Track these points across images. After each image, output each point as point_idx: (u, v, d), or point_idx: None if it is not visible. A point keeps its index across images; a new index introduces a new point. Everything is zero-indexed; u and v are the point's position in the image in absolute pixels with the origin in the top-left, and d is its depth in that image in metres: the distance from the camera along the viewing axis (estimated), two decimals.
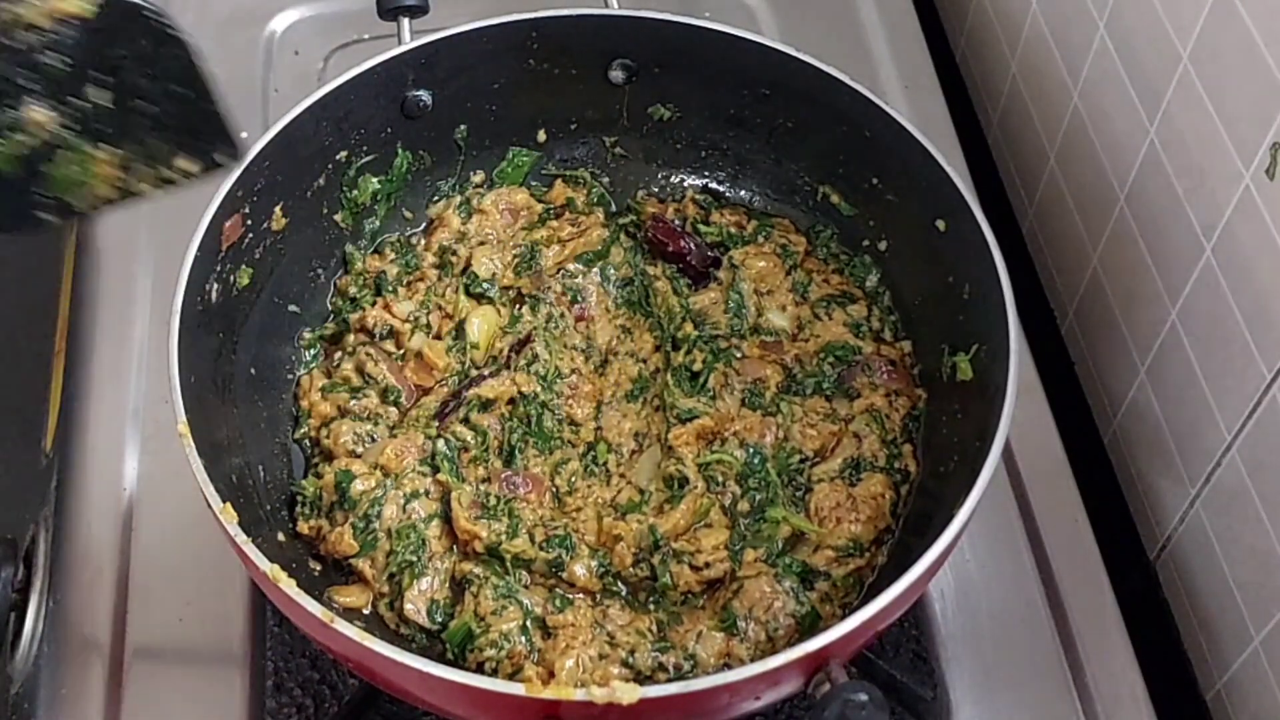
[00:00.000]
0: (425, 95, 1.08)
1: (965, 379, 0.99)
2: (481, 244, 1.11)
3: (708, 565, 0.96)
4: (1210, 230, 0.99)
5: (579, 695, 0.75)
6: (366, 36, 1.39)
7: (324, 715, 0.99)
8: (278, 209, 1.02)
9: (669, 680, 0.89)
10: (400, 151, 1.11)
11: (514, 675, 0.90)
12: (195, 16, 1.41)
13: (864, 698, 0.74)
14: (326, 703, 1.00)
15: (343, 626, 0.77)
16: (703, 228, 1.13)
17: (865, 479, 1.00)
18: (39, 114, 0.72)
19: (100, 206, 0.76)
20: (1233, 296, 0.97)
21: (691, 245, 1.11)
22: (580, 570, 0.95)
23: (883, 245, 1.09)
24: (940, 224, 1.00)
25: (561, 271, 1.09)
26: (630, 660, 0.91)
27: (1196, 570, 1.08)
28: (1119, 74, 1.10)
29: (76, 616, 1.04)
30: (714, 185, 1.17)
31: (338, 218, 1.09)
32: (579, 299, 1.09)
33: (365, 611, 0.95)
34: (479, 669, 0.91)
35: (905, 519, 0.99)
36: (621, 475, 1.01)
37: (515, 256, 1.11)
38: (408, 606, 0.94)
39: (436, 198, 1.14)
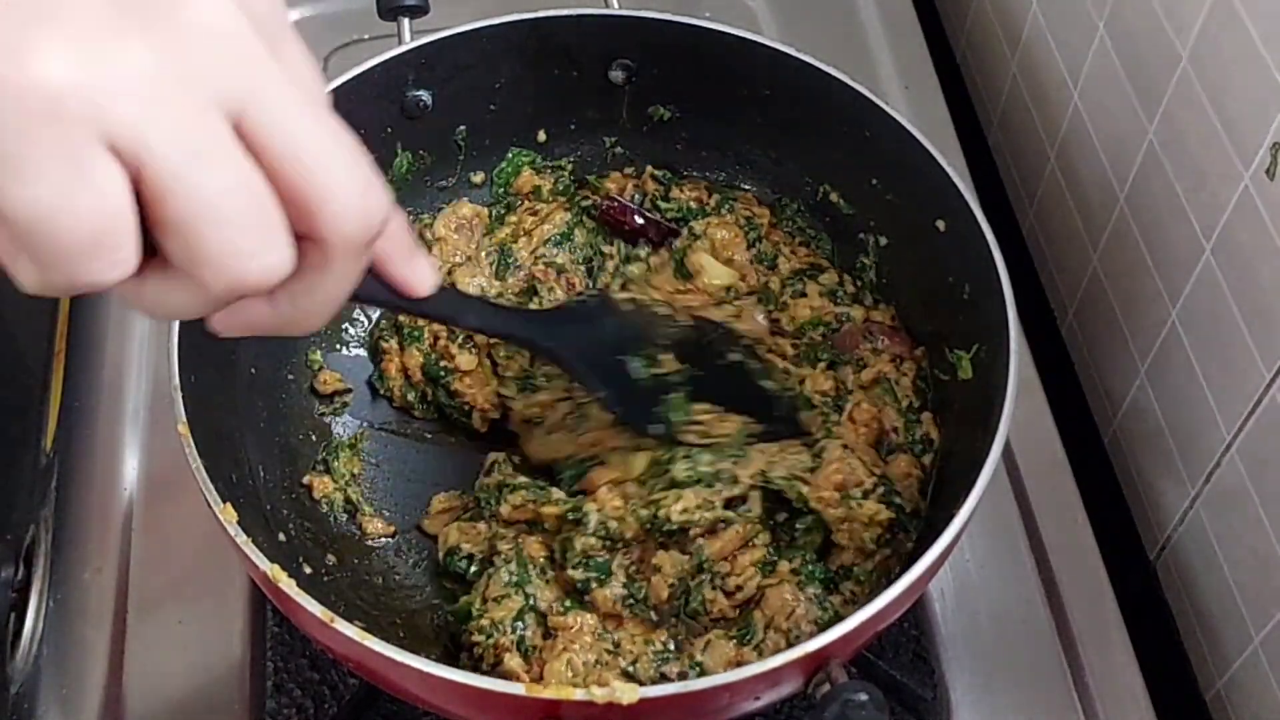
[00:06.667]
0: (425, 95, 1.08)
1: (965, 379, 0.99)
2: (456, 266, 1.10)
3: (739, 589, 0.93)
4: (1210, 230, 0.99)
5: (579, 695, 0.75)
6: (366, 36, 1.38)
7: (324, 715, 0.99)
8: None
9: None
10: (400, 151, 1.11)
11: (496, 666, 0.90)
12: None
13: (864, 698, 0.74)
14: (326, 703, 1.00)
15: (343, 626, 0.77)
16: (662, 204, 1.13)
17: (892, 462, 0.99)
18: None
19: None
20: (1233, 296, 0.97)
21: (644, 220, 1.11)
22: (608, 595, 0.93)
23: (883, 244, 1.09)
24: (940, 224, 1.00)
25: (537, 256, 1.10)
26: (631, 669, 0.90)
27: (1196, 570, 1.08)
28: (1119, 74, 1.10)
29: (76, 616, 1.04)
30: (799, 219, 1.16)
31: None
32: (562, 272, 1.10)
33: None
34: (468, 650, 0.91)
35: (934, 496, 0.98)
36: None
37: (491, 264, 1.11)
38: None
39: (437, 203, 1.13)
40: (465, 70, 1.08)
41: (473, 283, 1.09)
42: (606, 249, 1.12)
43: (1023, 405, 0.89)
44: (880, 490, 0.95)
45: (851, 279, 1.10)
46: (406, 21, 1.08)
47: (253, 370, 1.02)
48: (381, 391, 1.08)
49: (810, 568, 0.93)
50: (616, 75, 1.11)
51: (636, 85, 1.12)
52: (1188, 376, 1.05)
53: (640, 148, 1.16)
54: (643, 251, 1.12)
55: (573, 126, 1.15)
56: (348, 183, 0.52)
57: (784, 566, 0.94)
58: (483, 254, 1.12)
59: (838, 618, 0.91)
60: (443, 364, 1.06)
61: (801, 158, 1.12)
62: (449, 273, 1.10)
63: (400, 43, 1.05)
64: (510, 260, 1.11)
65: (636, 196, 1.14)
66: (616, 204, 1.12)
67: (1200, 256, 1.01)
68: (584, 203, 1.14)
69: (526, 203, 1.14)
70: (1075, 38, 1.17)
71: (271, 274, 0.50)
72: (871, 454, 0.99)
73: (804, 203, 1.13)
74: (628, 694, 0.75)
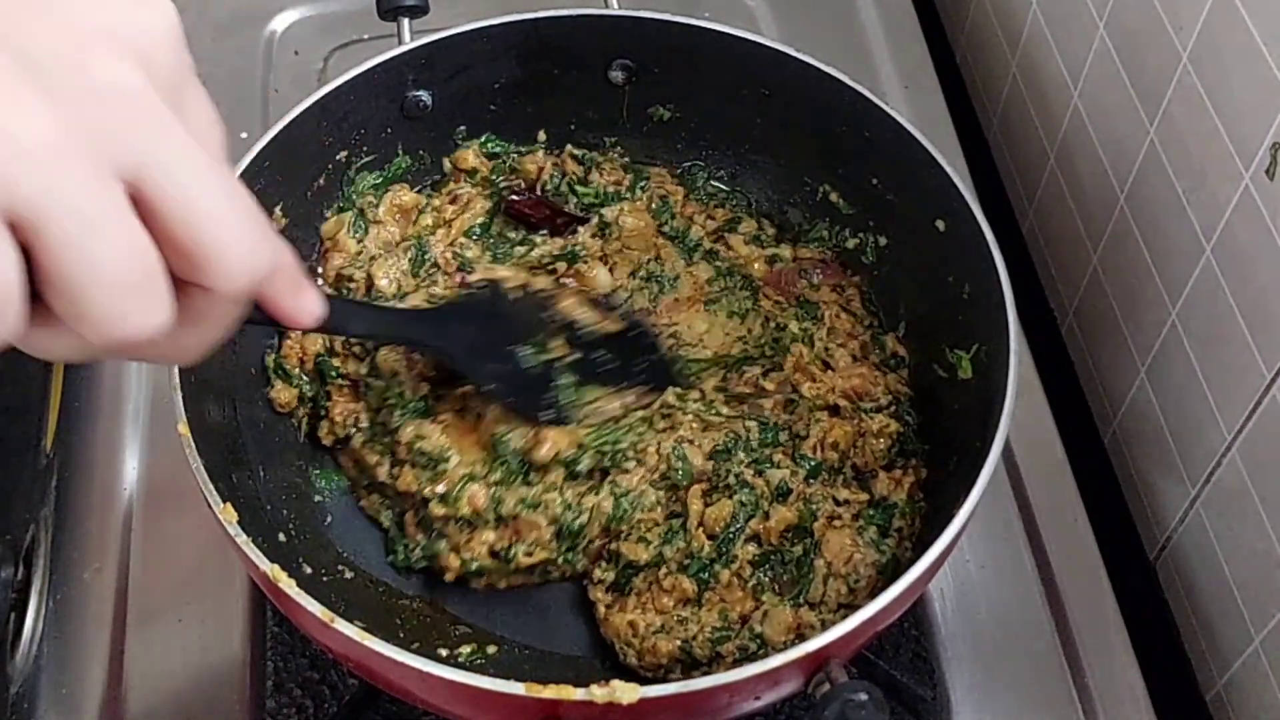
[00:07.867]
0: (425, 95, 1.08)
1: (965, 379, 0.99)
2: (373, 259, 1.08)
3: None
4: (1210, 230, 0.99)
5: (579, 695, 0.75)
6: (366, 36, 1.39)
7: (324, 715, 0.99)
8: (278, 209, 1.02)
9: (736, 662, 0.90)
10: (400, 151, 1.11)
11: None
12: (195, 16, 1.41)
13: (864, 697, 0.74)
14: (326, 703, 1.00)
15: (343, 626, 0.77)
16: (580, 189, 1.13)
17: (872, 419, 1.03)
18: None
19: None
20: (1233, 296, 0.97)
21: (550, 211, 1.11)
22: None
23: (883, 244, 1.09)
24: (940, 224, 1.00)
25: (452, 244, 1.09)
26: (688, 646, 0.92)
27: (1196, 570, 1.08)
28: (1119, 74, 1.10)
29: (76, 616, 1.04)
30: (712, 184, 1.17)
31: None
32: (466, 267, 1.09)
33: None
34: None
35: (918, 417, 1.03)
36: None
37: (409, 259, 1.09)
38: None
39: (326, 213, 1.09)
40: (465, 70, 1.08)
41: (388, 278, 1.07)
42: (511, 234, 1.12)
43: (1023, 405, 0.89)
44: (891, 409, 1.02)
45: (770, 221, 1.13)
46: (406, 21, 1.08)
47: (252, 370, 1.02)
48: (273, 377, 1.04)
49: (870, 512, 0.97)
50: (616, 75, 1.12)
51: (636, 85, 1.12)
52: (1188, 376, 1.05)
53: (640, 148, 1.16)
54: (537, 239, 1.11)
55: (573, 126, 1.15)
56: (238, 240, 0.53)
57: (829, 508, 0.98)
58: (402, 245, 1.09)
59: (895, 561, 0.94)
60: (334, 362, 1.04)
61: (801, 158, 1.12)
62: (370, 260, 1.08)
63: (400, 43, 1.05)
64: (426, 255, 1.09)
65: (555, 176, 1.13)
66: (520, 199, 1.11)
67: (1200, 257, 1.01)
68: (503, 187, 1.13)
69: (452, 185, 1.13)
70: (1075, 38, 1.18)
71: (150, 332, 0.51)
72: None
73: (802, 201, 1.14)
74: (627, 694, 0.75)
